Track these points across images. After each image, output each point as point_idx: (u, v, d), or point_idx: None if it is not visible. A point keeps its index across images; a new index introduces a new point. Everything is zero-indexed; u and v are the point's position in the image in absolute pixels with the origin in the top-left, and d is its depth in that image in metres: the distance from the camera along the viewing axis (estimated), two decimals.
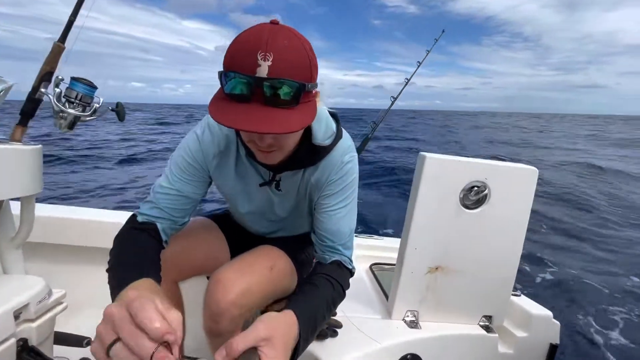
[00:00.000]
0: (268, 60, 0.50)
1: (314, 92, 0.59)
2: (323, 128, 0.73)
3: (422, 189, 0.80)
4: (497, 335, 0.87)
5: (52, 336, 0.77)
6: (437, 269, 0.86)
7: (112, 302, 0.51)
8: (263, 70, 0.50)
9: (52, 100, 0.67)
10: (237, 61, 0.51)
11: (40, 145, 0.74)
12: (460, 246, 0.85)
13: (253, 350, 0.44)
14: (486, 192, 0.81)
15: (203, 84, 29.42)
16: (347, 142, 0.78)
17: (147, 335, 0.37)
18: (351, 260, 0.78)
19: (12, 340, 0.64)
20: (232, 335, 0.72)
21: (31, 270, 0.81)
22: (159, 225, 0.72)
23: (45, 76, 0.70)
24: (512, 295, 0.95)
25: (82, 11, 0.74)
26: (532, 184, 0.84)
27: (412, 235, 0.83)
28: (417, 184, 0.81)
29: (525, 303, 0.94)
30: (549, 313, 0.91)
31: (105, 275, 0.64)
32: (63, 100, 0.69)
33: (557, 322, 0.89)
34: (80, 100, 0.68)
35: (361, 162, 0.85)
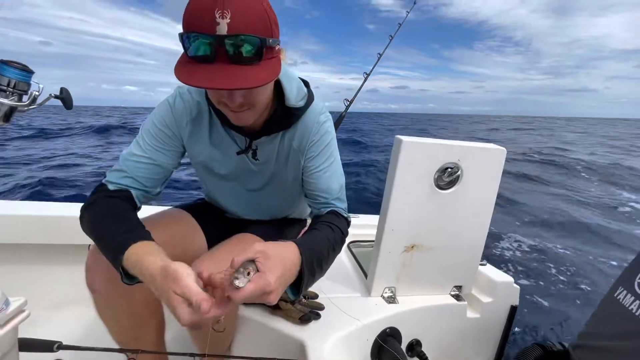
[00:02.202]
0: (226, 18, 0.50)
1: (277, 48, 0.59)
2: (295, 90, 0.74)
3: (399, 172, 0.81)
4: (466, 302, 0.95)
5: (17, 346, 0.72)
6: (412, 247, 0.89)
7: (116, 268, 0.54)
8: (222, 28, 0.50)
9: None
10: (195, 22, 0.51)
11: None
12: (434, 225, 0.88)
13: (251, 261, 0.49)
14: (459, 173, 0.84)
15: None
16: (319, 103, 0.80)
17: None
18: (346, 210, 0.82)
19: None
20: (214, 325, 0.72)
21: None
22: (132, 192, 0.70)
23: None
24: (479, 265, 1.03)
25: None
26: (501, 163, 0.88)
27: (390, 217, 0.85)
28: (393, 167, 0.82)
29: (490, 271, 1.02)
30: (511, 279, 0.99)
31: (67, 272, 0.62)
32: None
33: (517, 287, 0.99)
34: (14, 87, 0.58)
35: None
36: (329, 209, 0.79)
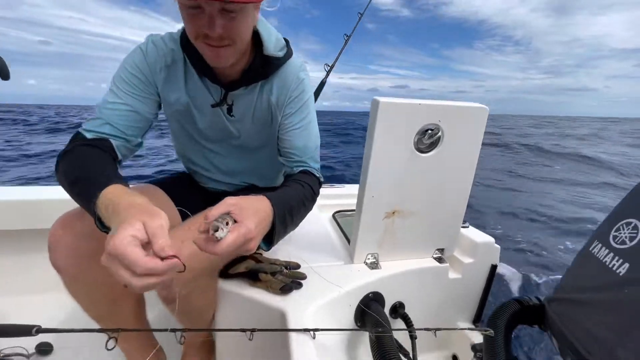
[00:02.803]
0: None
1: None
2: (274, 39, 0.73)
3: (377, 135, 0.77)
4: (447, 264, 0.96)
5: None
6: (393, 213, 0.88)
7: (89, 209, 0.50)
8: None
9: None
10: None
11: None
12: (415, 189, 0.86)
13: (226, 214, 0.49)
14: (439, 134, 0.81)
15: None
16: (298, 60, 0.79)
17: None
18: (319, 171, 0.83)
19: None
20: (188, 298, 0.71)
21: None
22: (113, 142, 0.67)
23: None
24: (462, 227, 1.03)
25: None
26: (483, 122, 0.84)
27: (369, 183, 0.83)
28: (372, 131, 0.78)
29: (472, 233, 1.03)
30: (492, 239, 1.00)
31: (45, 258, 0.61)
32: None
33: (498, 246, 1.00)
34: None
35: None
36: (301, 168, 0.80)
